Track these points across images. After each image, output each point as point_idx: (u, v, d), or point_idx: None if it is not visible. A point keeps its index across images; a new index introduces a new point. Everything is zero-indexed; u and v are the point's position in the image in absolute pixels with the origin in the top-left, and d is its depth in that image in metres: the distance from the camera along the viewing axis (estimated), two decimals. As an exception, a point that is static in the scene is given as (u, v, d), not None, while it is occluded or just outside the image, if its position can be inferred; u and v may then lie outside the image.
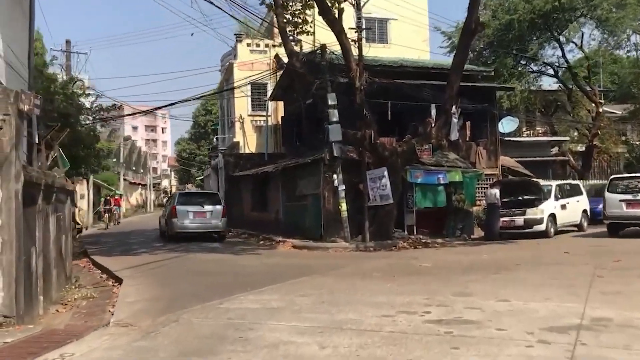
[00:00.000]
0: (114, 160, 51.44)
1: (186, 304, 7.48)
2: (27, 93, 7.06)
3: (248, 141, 28.09)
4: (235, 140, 28.95)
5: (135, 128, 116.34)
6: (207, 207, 19.71)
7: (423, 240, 16.77)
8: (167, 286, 9.41)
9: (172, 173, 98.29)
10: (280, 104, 27.07)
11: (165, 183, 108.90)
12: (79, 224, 30.71)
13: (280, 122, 27.19)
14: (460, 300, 7.18)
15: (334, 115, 16.39)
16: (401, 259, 12.95)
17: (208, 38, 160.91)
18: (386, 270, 10.84)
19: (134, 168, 76.72)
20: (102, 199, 26.26)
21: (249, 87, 27.74)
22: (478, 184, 19.97)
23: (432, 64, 23.30)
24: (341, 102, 16.66)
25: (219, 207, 19.88)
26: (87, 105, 21.47)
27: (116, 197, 32.95)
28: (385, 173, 16.19)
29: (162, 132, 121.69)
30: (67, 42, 22.99)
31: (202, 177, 52.25)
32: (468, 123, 21.02)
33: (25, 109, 6.75)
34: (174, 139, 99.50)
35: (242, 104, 28.31)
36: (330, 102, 16.34)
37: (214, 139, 38.89)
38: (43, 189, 7.76)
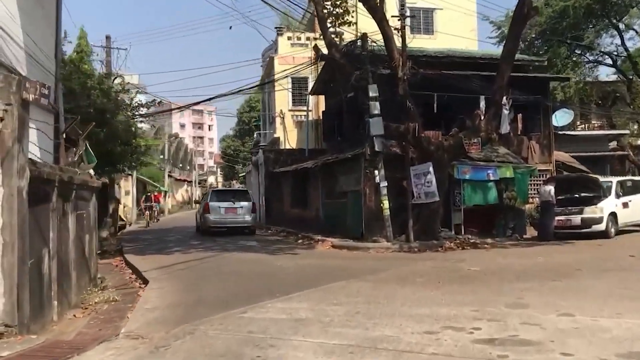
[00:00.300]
0: (161, 157, 51.93)
1: (207, 311, 6.83)
2: (33, 81, 6.51)
3: (288, 137, 27.47)
4: (275, 135, 28.38)
5: (182, 126, 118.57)
6: (238, 204, 20.92)
7: (471, 241, 15.72)
8: (192, 290, 8.80)
9: (218, 170, 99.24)
10: (322, 98, 26.33)
11: (211, 179, 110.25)
12: (123, 220, 30.94)
13: (321, 117, 26.44)
14: (515, 314, 6.26)
15: (375, 107, 15.51)
16: (447, 262, 12.00)
17: (250, 33, 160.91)
18: (430, 275, 9.94)
19: (180, 165, 77.72)
20: (143, 196, 25.81)
21: (289, 81, 27.14)
22: (531, 181, 18.71)
23: (481, 54, 22.08)
24: (383, 95, 15.77)
25: (248, 204, 21.12)
26: (127, 101, 21.29)
27: (156, 194, 32.77)
28: (431, 169, 15.23)
29: (209, 129, 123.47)
30: (107, 37, 22.80)
31: (244, 174, 52.31)
32: (519, 116, 19.71)
33: (30, 99, 6.19)
34: (220, 136, 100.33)
35: (282, 99, 27.70)
36: (371, 94, 15.46)
37: (255, 135, 38.49)
38: (58, 186, 7.24)
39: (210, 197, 21.84)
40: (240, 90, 19.21)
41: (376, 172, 15.64)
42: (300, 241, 17.61)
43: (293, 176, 23.44)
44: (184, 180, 66.56)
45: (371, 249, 14.67)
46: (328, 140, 24.73)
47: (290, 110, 27.95)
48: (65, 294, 7.86)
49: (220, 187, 62.56)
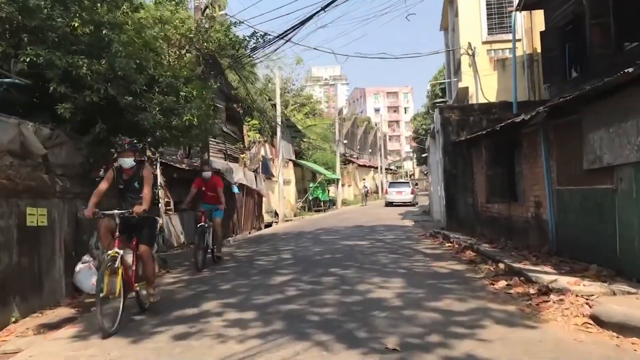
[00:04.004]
0: (338, 139, 44.76)
1: None
2: None
3: (482, 85, 17.18)
4: (462, 85, 18.34)
5: (377, 110, 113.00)
6: (402, 189, 39.79)
7: None
8: None
9: (414, 155, 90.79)
10: (538, 16, 15.74)
11: (407, 165, 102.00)
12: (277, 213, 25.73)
13: (538, 48, 15.80)
14: None
15: None
16: None
17: None
18: None
19: (370, 150, 70.58)
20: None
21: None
22: None
23: None
24: None
25: (409, 189, 39.80)
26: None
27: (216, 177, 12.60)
28: None
29: (405, 112, 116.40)
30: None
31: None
32: None
33: None
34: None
35: (472, 26, 17.60)
36: None
37: (428, 87, 28.79)
38: None
39: (388, 185, 42.87)
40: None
41: None
42: (502, 284, 7.69)
43: (490, 146, 13.41)
44: (370, 167, 58.76)
45: None
46: (553, 82, 14.21)
47: (484, 43, 17.70)
48: None
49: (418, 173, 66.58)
